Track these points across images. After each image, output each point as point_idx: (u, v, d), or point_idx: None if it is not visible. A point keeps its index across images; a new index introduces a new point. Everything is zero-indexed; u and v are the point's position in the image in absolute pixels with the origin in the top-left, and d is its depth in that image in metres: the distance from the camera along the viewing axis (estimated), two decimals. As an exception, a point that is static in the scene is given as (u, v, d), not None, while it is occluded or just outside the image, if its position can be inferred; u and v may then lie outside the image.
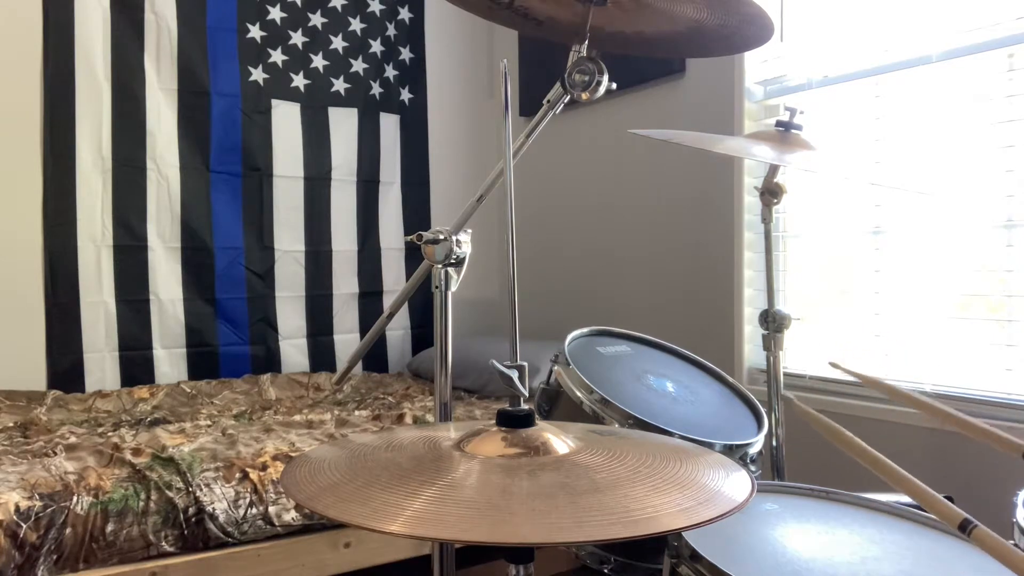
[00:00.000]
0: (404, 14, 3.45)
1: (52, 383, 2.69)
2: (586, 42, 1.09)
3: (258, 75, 3.09)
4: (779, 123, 1.49)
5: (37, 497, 1.61)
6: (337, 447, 0.83)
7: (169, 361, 2.92)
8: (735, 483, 0.73)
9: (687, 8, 1.07)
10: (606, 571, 1.23)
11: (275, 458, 1.91)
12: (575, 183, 3.20)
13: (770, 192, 1.60)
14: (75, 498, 1.64)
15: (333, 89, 3.26)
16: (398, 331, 3.43)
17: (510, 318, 0.94)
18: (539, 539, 0.60)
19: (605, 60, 1.09)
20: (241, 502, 1.80)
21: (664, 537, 0.94)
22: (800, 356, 2.30)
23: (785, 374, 1.72)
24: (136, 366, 2.85)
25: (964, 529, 0.41)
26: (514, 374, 0.82)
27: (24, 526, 1.57)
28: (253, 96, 3.07)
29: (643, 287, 2.88)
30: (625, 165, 2.95)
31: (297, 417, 2.41)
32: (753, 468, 1.27)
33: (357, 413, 2.48)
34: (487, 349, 2.89)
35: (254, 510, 1.81)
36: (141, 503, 1.70)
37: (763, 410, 1.43)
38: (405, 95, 3.46)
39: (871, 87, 2.16)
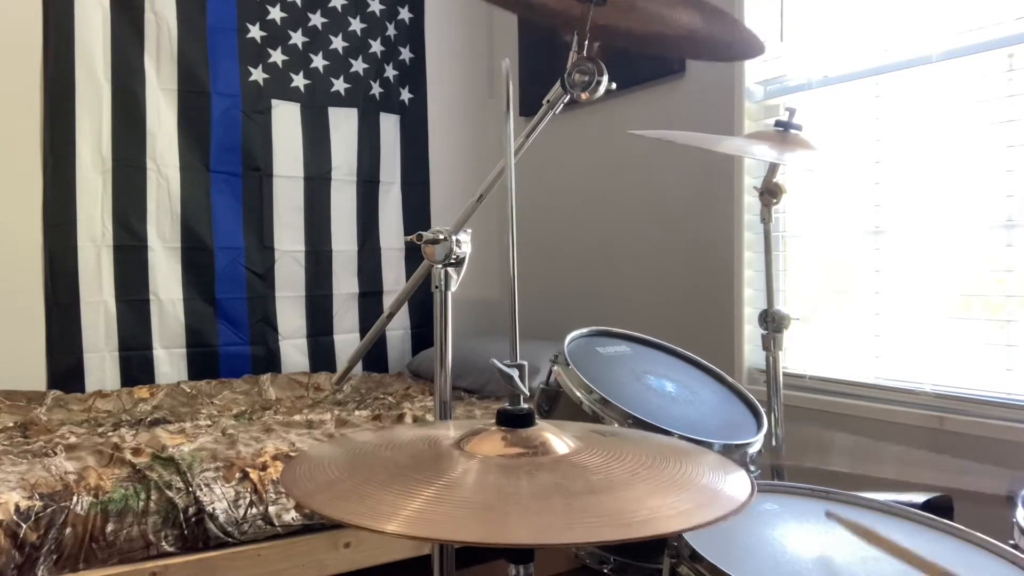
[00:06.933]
0: (404, 14, 3.45)
1: (52, 383, 2.69)
2: (586, 42, 1.09)
3: (258, 75, 3.09)
4: (778, 123, 1.50)
5: (37, 497, 1.61)
6: (338, 445, 0.83)
7: (169, 361, 2.93)
8: (734, 486, 0.72)
9: (682, 15, 1.07)
10: (606, 571, 1.23)
11: (275, 458, 1.91)
12: (575, 183, 3.20)
13: (769, 192, 1.61)
14: (75, 498, 1.64)
15: (333, 89, 3.26)
16: (398, 331, 3.43)
17: (510, 318, 0.94)
18: (533, 540, 0.59)
19: (605, 60, 1.08)
20: (241, 502, 1.80)
21: (664, 537, 0.94)
22: (800, 356, 2.30)
23: (785, 374, 1.71)
24: (136, 366, 2.85)
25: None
26: (514, 373, 0.82)
27: (24, 526, 1.57)
28: (253, 96, 3.07)
29: (643, 287, 2.88)
30: (625, 165, 2.95)
31: (297, 417, 2.41)
32: (752, 468, 1.27)
33: (357, 413, 2.48)
34: (487, 349, 2.89)
35: (254, 510, 1.80)
36: (141, 503, 1.70)
37: (763, 410, 1.43)
38: (405, 95, 3.46)
39: (871, 87, 2.15)
